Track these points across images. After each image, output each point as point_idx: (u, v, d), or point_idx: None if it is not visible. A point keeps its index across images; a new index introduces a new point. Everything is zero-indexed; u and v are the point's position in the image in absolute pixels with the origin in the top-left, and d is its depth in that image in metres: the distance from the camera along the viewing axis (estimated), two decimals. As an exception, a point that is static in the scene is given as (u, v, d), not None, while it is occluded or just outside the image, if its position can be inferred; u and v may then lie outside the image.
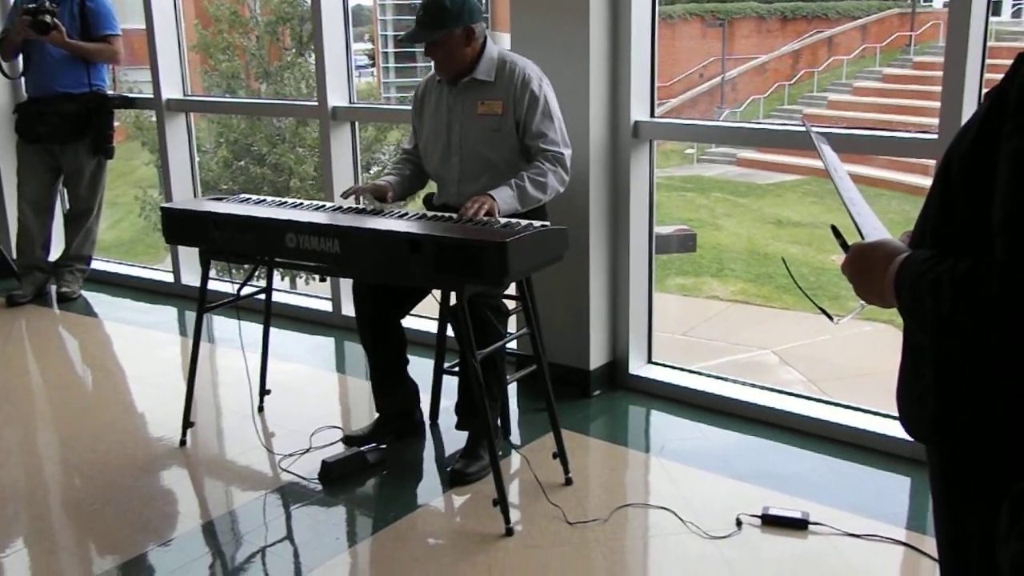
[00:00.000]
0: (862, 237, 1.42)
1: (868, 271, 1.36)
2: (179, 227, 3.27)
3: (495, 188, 2.98)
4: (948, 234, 1.29)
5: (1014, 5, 23.23)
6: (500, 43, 3.30)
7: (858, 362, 10.92)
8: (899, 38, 22.82)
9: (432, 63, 3.13)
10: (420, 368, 3.49)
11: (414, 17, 3.14)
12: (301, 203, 3.25)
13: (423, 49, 3.10)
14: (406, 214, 3.01)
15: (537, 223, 2.79)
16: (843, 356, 11.18)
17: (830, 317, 1.61)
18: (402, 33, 3.16)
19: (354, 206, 3.13)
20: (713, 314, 12.76)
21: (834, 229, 1.48)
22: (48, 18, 4.76)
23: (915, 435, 1.42)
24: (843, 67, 22.25)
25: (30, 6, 4.78)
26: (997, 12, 21.02)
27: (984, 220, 1.18)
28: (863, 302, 1.42)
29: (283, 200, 3.33)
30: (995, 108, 1.20)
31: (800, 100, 21.61)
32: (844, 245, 1.43)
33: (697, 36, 24.08)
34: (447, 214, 2.97)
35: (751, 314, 12.84)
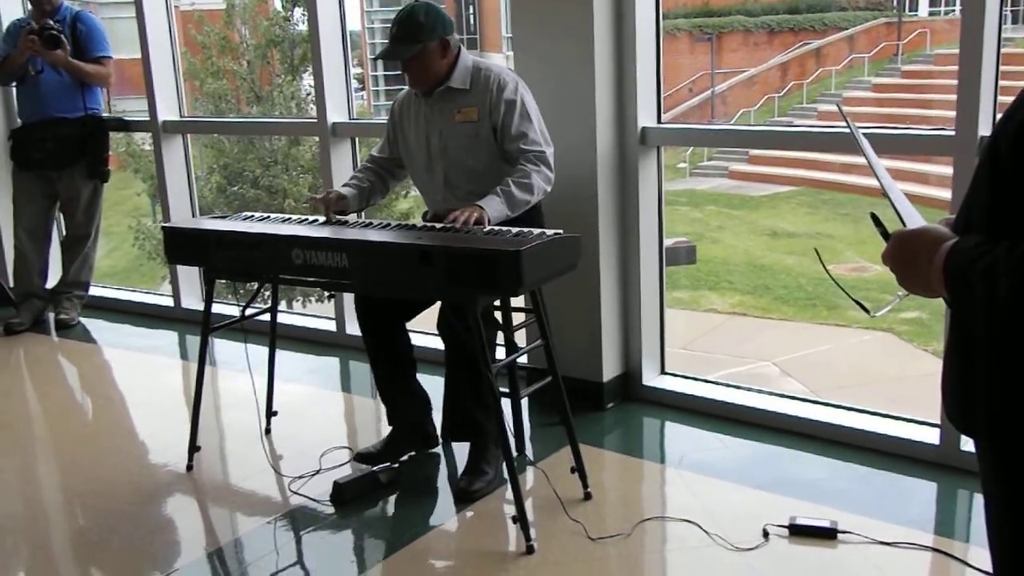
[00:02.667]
0: (903, 225, 1.36)
1: (913, 259, 1.30)
2: (182, 246, 3.20)
3: (482, 197, 2.95)
4: (998, 218, 1.23)
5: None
6: (490, 60, 3.29)
7: (860, 370, 10.88)
8: (887, 47, 22.94)
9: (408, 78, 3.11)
10: (430, 385, 3.42)
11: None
12: (305, 219, 3.19)
13: (400, 65, 3.08)
14: (414, 225, 2.95)
15: (550, 231, 2.73)
16: (844, 365, 11.14)
17: (867, 310, 1.55)
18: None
19: (341, 218, 3.08)
20: (712, 327, 12.72)
21: (874, 217, 1.42)
22: (55, 31, 4.71)
23: (965, 429, 1.37)
24: (832, 78, 22.35)
25: (33, 25, 4.73)
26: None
27: None
28: (903, 292, 1.37)
29: (287, 216, 3.27)
30: None
31: (790, 112, 21.67)
32: (884, 234, 1.37)
33: (685, 51, 24.16)
34: (454, 224, 2.90)
35: (750, 326, 12.81)
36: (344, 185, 3.30)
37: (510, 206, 2.97)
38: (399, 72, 3.14)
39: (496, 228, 2.80)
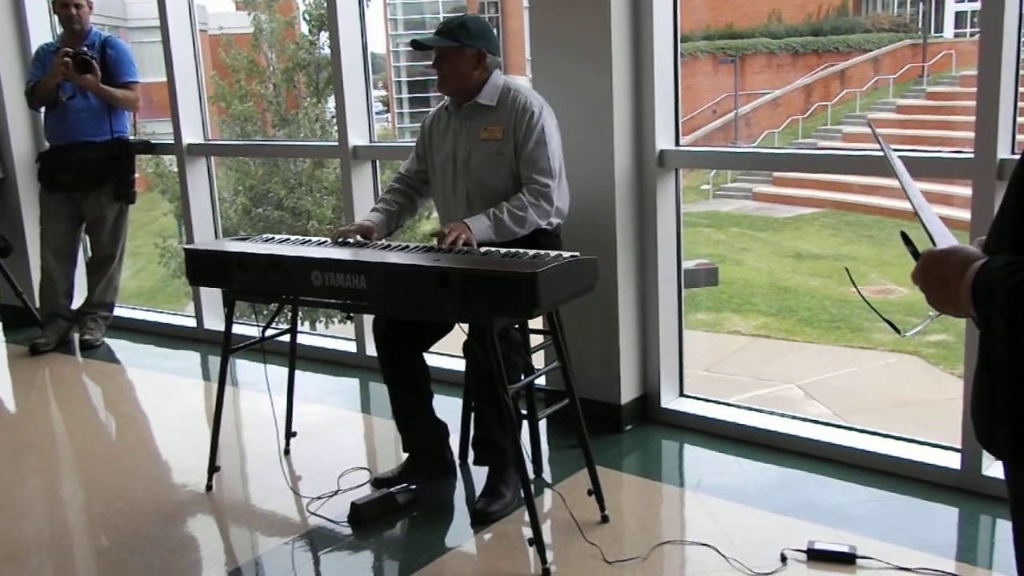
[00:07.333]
0: (934, 244, 1.35)
1: (942, 279, 1.29)
2: (203, 268, 3.23)
3: (474, 216, 2.99)
4: None
5: None
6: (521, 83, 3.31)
7: (885, 394, 10.78)
8: (912, 69, 22.83)
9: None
10: (447, 407, 3.42)
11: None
12: (325, 241, 3.22)
13: (431, 62, 3.16)
14: (432, 247, 2.97)
15: (567, 254, 2.74)
16: (870, 388, 11.04)
17: (897, 330, 1.53)
18: (418, 77, 3.18)
19: (382, 242, 3.10)
20: (736, 349, 12.64)
21: (904, 236, 1.40)
22: (88, 56, 4.78)
23: (993, 452, 1.35)
24: (856, 100, 22.27)
25: (67, 50, 4.81)
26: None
27: None
28: (934, 312, 1.35)
29: (307, 239, 3.30)
30: None
31: (814, 133, 21.60)
32: (915, 253, 1.36)
33: (709, 73, 24.18)
34: (474, 248, 2.91)
35: (774, 348, 12.72)
36: (372, 210, 3.33)
37: (497, 231, 3.00)
38: (425, 95, 3.20)
39: (513, 251, 2.82)
